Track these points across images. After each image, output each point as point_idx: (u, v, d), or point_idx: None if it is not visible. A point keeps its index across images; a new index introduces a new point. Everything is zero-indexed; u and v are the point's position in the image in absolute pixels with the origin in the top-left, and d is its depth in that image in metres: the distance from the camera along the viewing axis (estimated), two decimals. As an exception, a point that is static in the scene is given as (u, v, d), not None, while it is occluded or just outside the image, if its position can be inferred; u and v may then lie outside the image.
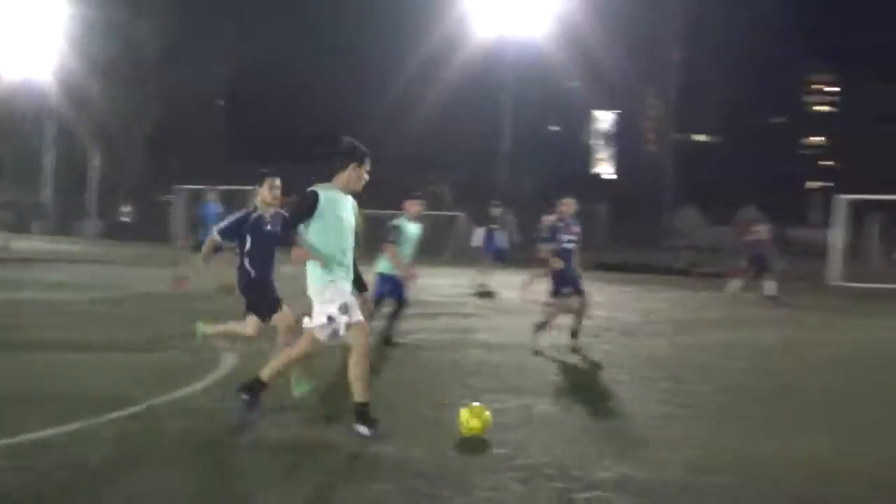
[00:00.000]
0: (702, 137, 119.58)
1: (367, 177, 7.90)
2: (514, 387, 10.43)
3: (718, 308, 21.98)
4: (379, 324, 12.92)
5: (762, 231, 24.37)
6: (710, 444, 8.13)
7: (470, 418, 7.89)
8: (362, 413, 7.65)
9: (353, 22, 78.49)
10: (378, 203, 21.63)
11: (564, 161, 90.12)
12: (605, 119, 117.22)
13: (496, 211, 25.69)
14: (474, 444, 7.54)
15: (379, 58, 75.96)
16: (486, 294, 22.43)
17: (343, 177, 7.80)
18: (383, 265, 13.15)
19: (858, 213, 32.49)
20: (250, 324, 9.82)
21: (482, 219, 27.42)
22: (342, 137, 7.97)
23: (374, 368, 9.75)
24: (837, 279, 29.49)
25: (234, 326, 10.12)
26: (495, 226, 25.26)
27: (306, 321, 7.83)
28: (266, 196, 9.81)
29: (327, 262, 7.63)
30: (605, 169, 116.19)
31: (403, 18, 73.87)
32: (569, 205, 14.02)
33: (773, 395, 10.77)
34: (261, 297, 9.74)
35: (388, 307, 13.27)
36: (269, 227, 9.66)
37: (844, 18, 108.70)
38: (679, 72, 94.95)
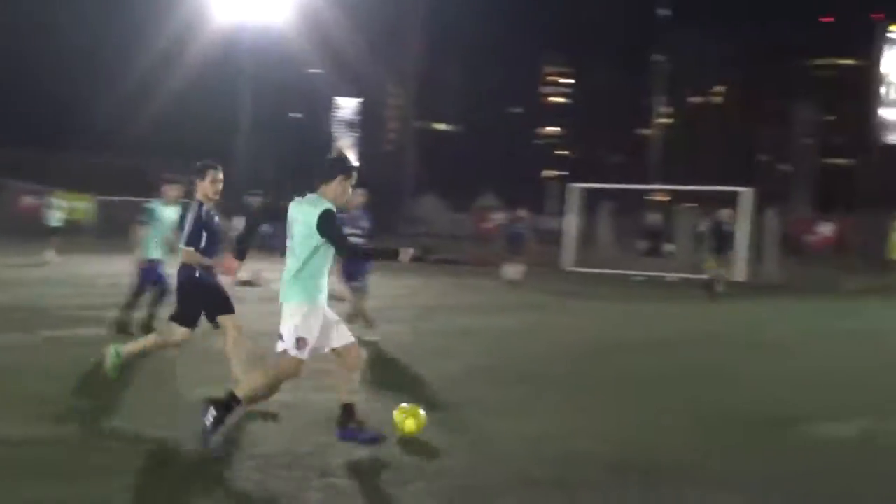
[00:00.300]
0: (442, 126, 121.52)
1: (350, 192, 7.56)
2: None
3: (458, 294, 22.31)
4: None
5: (499, 217, 25.01)
6: (448, 428, 8.17)
7: (406, 420, 7.76)
8: (227, 406, 7.10)
9: (91, 4, 75.74)
10: (115, 190, 20.89)
11: (307, 148, 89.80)
12: (347, 106, 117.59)
13: (255, 200, 25.23)
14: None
15: (116, 42, 73.66)
16: (247, 283, 21.89)
17: (331, 189, 7.35)
18: (153, 251, 12.71)
19: (591, 201, 33.60)
20: (179, 332, 8.91)
21: (237, 208, 26.81)
22: (332, 149, 7.44)
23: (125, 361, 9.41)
24: (572, 265, 30.44)
25: (156, 339, 9.07)
26: None
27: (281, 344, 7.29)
28: (208, 191, 8.85)
29: (314, 285, 7.23)
30: (348, 156, 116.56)
31: (141, 2, 71.89)
32: (356, 195, 13.62)
33: (513, 378, 10.96)
34: (210, 295, 8.88)
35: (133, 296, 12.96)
36: (216, 220, 9.00)
37: (579, 12, 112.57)
38: (420, 61, 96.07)
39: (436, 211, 66.44)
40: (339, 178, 7.36)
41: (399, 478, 6.69)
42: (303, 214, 7.22)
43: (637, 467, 7.28)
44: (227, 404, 7.12)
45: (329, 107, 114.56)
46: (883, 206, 42.83)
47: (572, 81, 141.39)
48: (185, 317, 8.88)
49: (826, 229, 41.74)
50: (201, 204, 8.89)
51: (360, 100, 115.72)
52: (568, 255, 31.28)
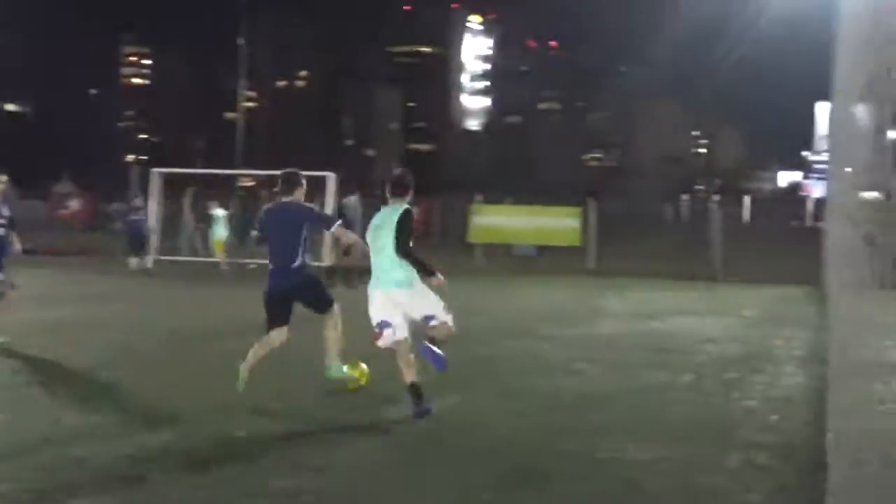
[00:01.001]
0: (11, 107, 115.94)
1: None
2: None
3: (38, 285, 20.59)
4: None
5: (116, 207, 23.79)
6: (13, 428, 7.95)
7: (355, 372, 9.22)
8: (417, 393, 8.45)
9: None
10: None
11: None
12: None
13: None
14: None
15: None
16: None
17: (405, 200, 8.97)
18: None
19: (176, 186, 32.44)
20: (276, 335, 9.26)
21: None
22: (408, 173, 9.16)
23: None
24: (157, 253, 29.25)
25: (260, 349, 9.24)
26: None
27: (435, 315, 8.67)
28: (300, 195, 9.77)
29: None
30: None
31: None
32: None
33: (93, 366, 10.49)
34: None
35: None
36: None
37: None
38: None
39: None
40: (411, 193, 9.07)
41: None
42: (388, 218, 8.80)
43: (207, 453, 7.22)
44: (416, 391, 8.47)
45: None
46: (464, 188, 44.41)
47: (151, 62, 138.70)
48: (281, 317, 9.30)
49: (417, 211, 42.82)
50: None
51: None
52: (151, 242, 29.97)
